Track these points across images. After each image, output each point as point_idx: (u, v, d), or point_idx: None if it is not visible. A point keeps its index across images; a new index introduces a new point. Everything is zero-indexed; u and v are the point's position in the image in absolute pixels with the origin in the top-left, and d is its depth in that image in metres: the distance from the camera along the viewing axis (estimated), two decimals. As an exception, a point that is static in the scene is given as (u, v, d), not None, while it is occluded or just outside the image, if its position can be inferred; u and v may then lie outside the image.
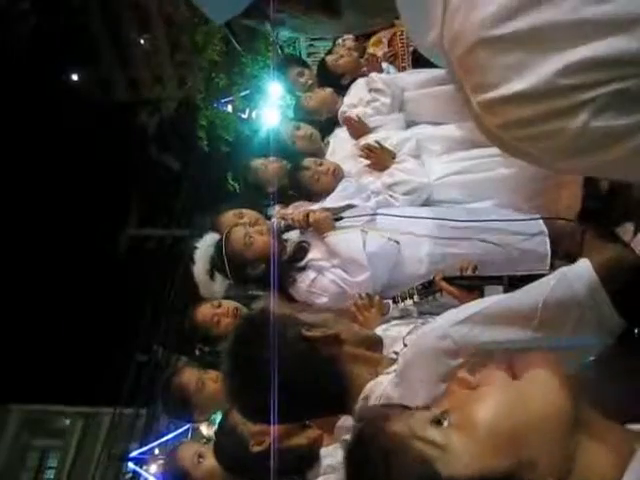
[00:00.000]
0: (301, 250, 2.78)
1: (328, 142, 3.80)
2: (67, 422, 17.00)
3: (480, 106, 0.76)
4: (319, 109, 3.86)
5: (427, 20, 0.80)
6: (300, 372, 1.41)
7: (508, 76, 0.71)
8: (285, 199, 3.55)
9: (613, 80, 0.67)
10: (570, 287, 1.22)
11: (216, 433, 2.30)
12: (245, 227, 2.84)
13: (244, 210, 3.40)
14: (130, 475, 11.55)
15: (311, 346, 1.41)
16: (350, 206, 2.89)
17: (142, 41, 18.52)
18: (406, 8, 0.84)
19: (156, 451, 10.44)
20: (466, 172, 2.98)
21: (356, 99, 3.71)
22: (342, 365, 1.41)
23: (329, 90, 3.90)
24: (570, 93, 0.69)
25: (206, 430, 5.04)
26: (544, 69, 0.68)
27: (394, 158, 3.19)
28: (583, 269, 1.22)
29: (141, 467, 10.60)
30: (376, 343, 1.56)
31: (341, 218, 2.78)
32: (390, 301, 2.48)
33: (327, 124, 3.87)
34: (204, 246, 2.92)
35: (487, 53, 0.72)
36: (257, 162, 3.75)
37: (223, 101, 11.69)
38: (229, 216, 3.40)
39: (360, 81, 3.79)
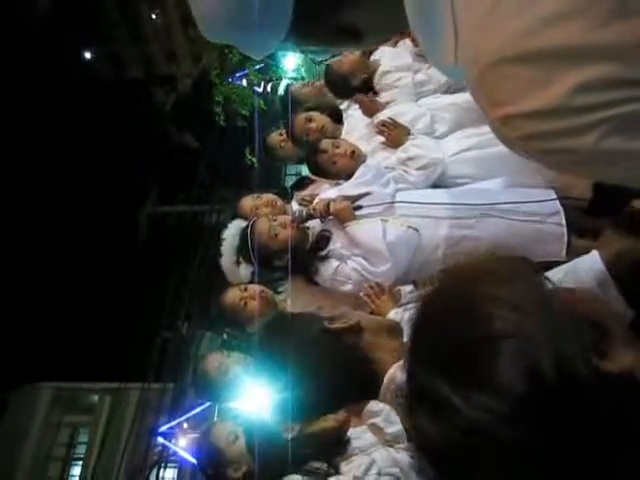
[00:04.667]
0: (323, 239, 2.81)
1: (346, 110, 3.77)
2: (96, 398, 17.32)
3: (497, 120, 0.79)
4: (353, 73, 3.65)
5: (440, 40, 0.83)
6: (327, 362, 1.45)
7: (524, 94, 0.74)
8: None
9: (623, 102, 0.70)
10: (580, 278, 1.31)
11: (247, 423, 2.35)
12: (269, 220, 2.87)
13: (262, 194, 3.46)
14: (159, 448, 11.78)
15: (335, 337, 1.45)
16: (368, 193, 2.90)
17: (154, 16, 18.43)
18: (419, 29, 0.88)
19: (184, 425, 10.62)
20: (479, 147, 2.96)
21: (402, 62, 3.58)
22: (365, 352, 1.45)
23: (357, 53, 3.75)
24: (582, 113, 0.71)
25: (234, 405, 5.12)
26: (558, 88, 0.71)
27: (409, 134, 3.18)
28: (592, 261, 1.32)
29: (170, 441, 10.82)
30: (395, 329, 1.60)
31: (360, 207, 2.81)
32: (401, 288, 2.52)
33: (361, 88, 3.74)
34: (229, 236, 2.98)
35: (505, 70, 0.75)
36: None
37: (238, 75, 11.68)
38: (248, 200, 3.46)
39: (398, 47, 3.66)
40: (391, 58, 3.57)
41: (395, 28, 0.96)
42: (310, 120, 3.56)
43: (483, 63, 0.77)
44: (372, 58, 3.68)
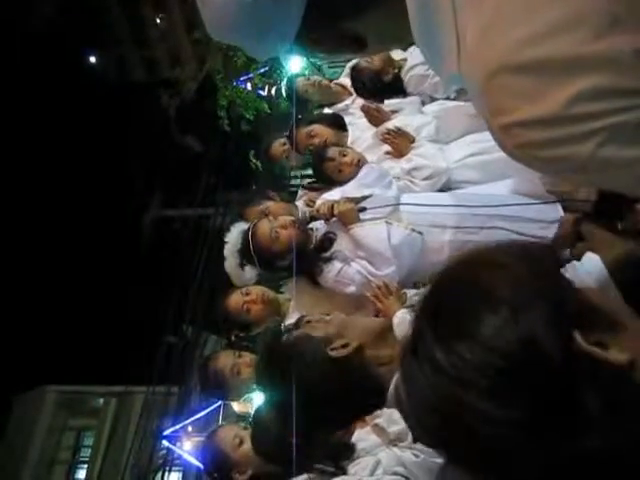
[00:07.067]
0: (327, 241, 2.83)
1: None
2: (101, 402, 17.34)
3: (498, 128, 0.81)
4: (384, 70, 3.70)
5: (443, 50, 0.85)
6: (334, 387, 1.47)
7: (523, 102, 0.76)
8: None
9: (619, 111, 0.71)
10: (580, 280, 1.31)
11: (253, 427, 2.36)
12: (270, 222, 2.88)
13: (268, 203, 3.45)
14: (164, 452, 11.75)
15: (339, 363, 1.47)
16: (371, 195, 2.91)
17: (158, 20, 18.48)
18: (422, 39, 0.90)
19: (189, 428, 10.61)
20: (484, 153, 2.98)
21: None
22: (369, 368, 1.47)
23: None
24: (579, 122, 0.73)
25: (237, 407, 5.14)
26: (556, 97, 0.73)
27: (413, 142, 3.19)
28: (593, 264, 1.34)
29: (175, 444, 10.80)
30: (391, 335, 1.61)
31: (364, 209, 2.82)
32: (407, 291, 2.54)
33: (393, 84, 3.73)
34: (232, 239, 3.00)
35: (505, 80, 0.76)
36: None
37: (242, 79, 11.68)
38: (255, 208, 3.45)
39: (408, 52, 3.64)
40: (417, 53, 3.56)
41: (400, 37, 0.98)
42: (313, 135, 3.58)
43: (484, 72, 0.79)
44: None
